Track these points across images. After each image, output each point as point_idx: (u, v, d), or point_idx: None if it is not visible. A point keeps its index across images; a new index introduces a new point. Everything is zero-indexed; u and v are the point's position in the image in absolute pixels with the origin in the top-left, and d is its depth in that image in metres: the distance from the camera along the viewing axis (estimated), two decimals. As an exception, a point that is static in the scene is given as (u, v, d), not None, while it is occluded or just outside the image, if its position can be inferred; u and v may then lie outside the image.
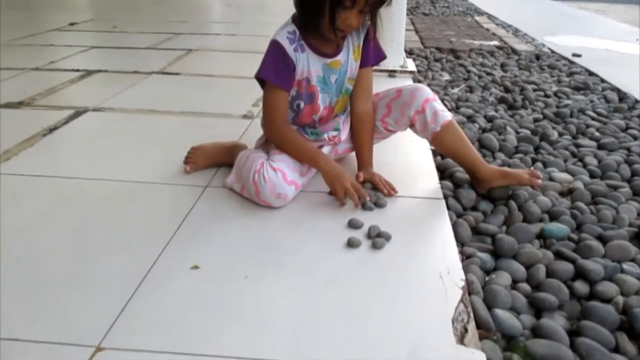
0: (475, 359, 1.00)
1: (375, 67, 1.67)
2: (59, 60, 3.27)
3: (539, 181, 1.62)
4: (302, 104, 1.57)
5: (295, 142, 1.52)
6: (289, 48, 1.47)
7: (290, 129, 1.52)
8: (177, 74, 3.01)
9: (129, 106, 2.41)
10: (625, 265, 1.37)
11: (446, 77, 3.22)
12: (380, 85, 1.75)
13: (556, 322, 1.19)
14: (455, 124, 1.62)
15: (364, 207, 1.47)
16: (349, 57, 1.57)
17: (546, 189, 1.75)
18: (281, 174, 1.48)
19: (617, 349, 1.13)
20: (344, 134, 1.69)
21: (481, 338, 1.09)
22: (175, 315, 1.11)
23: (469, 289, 1.22)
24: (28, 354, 1.00)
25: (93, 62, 3.26)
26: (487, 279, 1.32)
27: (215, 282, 1.21)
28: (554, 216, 1.60)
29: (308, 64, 1.51)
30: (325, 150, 1.66)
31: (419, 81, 3.04)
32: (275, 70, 1.48)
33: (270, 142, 1.64)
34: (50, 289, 1.18)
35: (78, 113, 2.32)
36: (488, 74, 3.27)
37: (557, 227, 1.52)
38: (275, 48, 1.48)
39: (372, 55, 1.61)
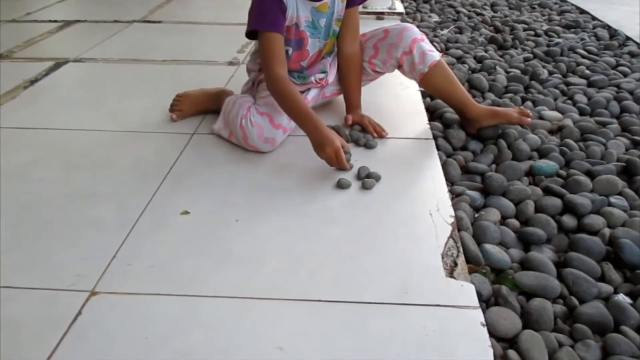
0: (465, 290, 1.02)
1: (362, 10, 1.65)
2: (35, 11, 3.17)
3: (529, 119, 1.62)
4: (290, 50, 1.55)
5: (291, 98, 1.41)
6: None
7: (289, 83, 1.44)
8: (159, 22, 2.94)
9: (110, 56, 2.37)
10: (612, 199, 1.39)
11: (435, 18, 3.17)
12: (367, 28, 1.72)
13: (544, 255, 1.21)
14: (444, 64, 1.60)
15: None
16: None
17: (536, 127, 1.76)
18: (268, 118, 1.47)
19: (602, 278, 1.16)
20: (331, 76, 1.67)
21: (470, 271, 1.11)
22: (168, 258, 1.12)
23: (458, 225, 1.24)
24: (21, 301, 1.01)
25: (71, 12, 3.17)
26: (476, 215, 1.34)
27: (206, 226, 1.22)
28: (543, 153, 1.61)
29: (297, 9, 1.48)
30: (312, 93, 1.64)
31: (407, 22, 2.99)
32: (264, 17, 1.44)
33: (257, 86, 1.63)
34: (41, 238, 1.19)
35: (59, 64, 2.27)
36: (478, 14, 3.22)
37: (546, 164, 1.53)
38: None
39: None
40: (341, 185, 1.35)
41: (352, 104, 1.66)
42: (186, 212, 1.26)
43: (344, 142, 1.37)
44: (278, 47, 1.44)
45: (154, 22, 2.94)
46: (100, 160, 1.50)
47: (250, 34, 1.50)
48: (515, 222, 1.33)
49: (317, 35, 1.55)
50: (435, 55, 1.58)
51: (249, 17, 1.46)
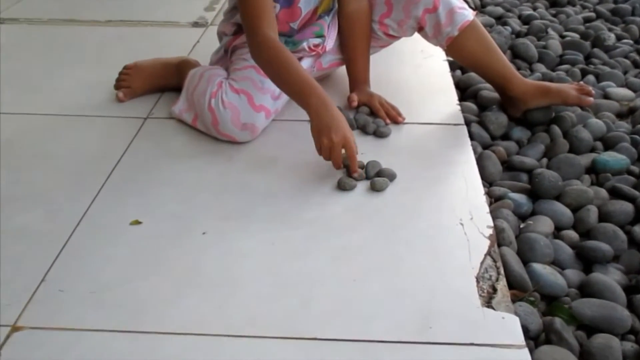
0: (507, 324, 1.03)
1: None
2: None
3: (590, 99, 1.63)
4: (277, 7, 1.55)
5: (288, 66, 1.39)
6: None
7: (283, 48, 1.43)
8: (101, -29, 2.94)
9: (37, 15, 2.37)
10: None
11: (467, -35, 3.18)
12: None
13: (610, 277, 1.21)
14: (478, 25, 1.61)
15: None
16: None
17: (600, 109, 1.77)
18: (246, 97, 1.48)
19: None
20: (330, 41, 1.67)
21: (514, 299, 1.12)
22: (113, 282, 1.12)
23: (498, 239, 1.24)
24: None
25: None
26: (522, 225, 1.35)
27: (164, 240, 1.22)
28: (609, 144, 1.62)
29: None
30: (306, 63, 1.64)
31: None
32: None
33: (232, 55, 1.63)
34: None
35: (-32, 26, 2.28)
36: (523, -41, 3.24)
37: (614, 158, 1.54)
38: None
39: None
40: (344, 186, 1.35)
41: (358, 79, 1.67)
42: (137, 222, 1.27)
43: (348, 139, 1.33)
44: (266, 1, 1.44)
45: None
46: (25, 153, 1.50)
47: None
48: (572, 235, 1.34)
49: None
50: (467, 14, 1.58)
51: None
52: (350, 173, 1.37)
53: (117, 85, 1.74)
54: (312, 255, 1.18)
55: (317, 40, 1.64)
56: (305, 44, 1.62)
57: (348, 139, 1.33)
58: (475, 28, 1.60)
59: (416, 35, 1.68)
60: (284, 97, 1.57)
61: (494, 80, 1.68)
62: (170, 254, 1.19)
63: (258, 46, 1.43)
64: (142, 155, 1.49)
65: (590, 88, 1.66)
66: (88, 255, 1.18)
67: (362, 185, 1.36)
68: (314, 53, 1.65)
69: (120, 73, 1.75)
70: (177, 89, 1.68)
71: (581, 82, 1.83)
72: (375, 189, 1.35)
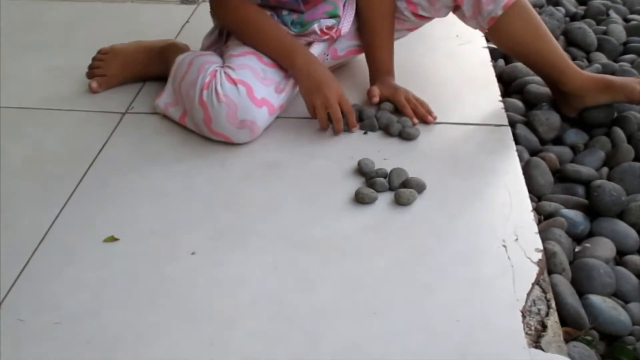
0: (559, 369, 1.03)
1: None
2: None
3: None
4: None
5: (260, 24, 1.52)
6: None
7: (251, 6, 1.54)
8: None
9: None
10: None
11: None
12: None
13: (686, 314, 1.21)
14: (526, 4, 1.61)
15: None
16: None
17: (672, 109, 1.77)
18: (245, 89, 1.48)
19: None
20: (347, 23, 1.68)
21: (567, 339, 1.11)
22: (83, 311, 1.12)
23: (548, 265, 1.25)
24: None
25: None
26: (577, 249, 1.35)
27: (145, 261, 1.23)
28: (683, 151, 1.62)
29: None
30: (317, 49, 1.65)
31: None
32: None
33: (227, 38, 1.64)
34: None
35: None
36: None
37: (689, 168, 1.54)
38: None
39: None
40: (362, 199, 1.35)
41: (380, 69, 1.67)
42: (113, 239, 1.28)
43: (343, 97, 1.51)
44: None
45: None
46: (-23, 153, 1.52)
47: None
48: (638, 260, 1.34)
49: None
50: None
51: None
52: (349, 128, 1.54)
53: (91, 74, 1.75)
54: (323, 283, 1.18)
55: (331, 22, 1.64)
56: (316, 26, 1.62)
57: (342, 94, 1.51)
58: (523, 8, 1.60)
59: (451, 16, 1.68)
60: (290, 90, 1.58)
61: (545, 72, 1.69)
62: (150, 278, 1.19)
63: (225, 6, 1.51)
64: (119, 158, 1.49)
65: (660, 83, 1.66)
66: (52, 279, 1.19)
67: (384, 198, 1.37)
68: (326, 37, 1.65)
69: (94, 59, 1.76)
70: (161, 79, 1.69)
71: (650, 76, 1.83)
72: (400, 202, 1.35)
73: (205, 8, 2.03)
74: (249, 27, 1.53)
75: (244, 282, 1.18)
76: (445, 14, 1.68)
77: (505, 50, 1.84)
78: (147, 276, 1.19)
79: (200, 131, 1.53)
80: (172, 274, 1.20)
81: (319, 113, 1.51)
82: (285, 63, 1.52)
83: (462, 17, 1.65)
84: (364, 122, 1.57)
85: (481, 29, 1.66)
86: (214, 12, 1.58)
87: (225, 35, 1.66)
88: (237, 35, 1.55)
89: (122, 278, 1.19)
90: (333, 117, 1.50)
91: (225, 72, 1.50)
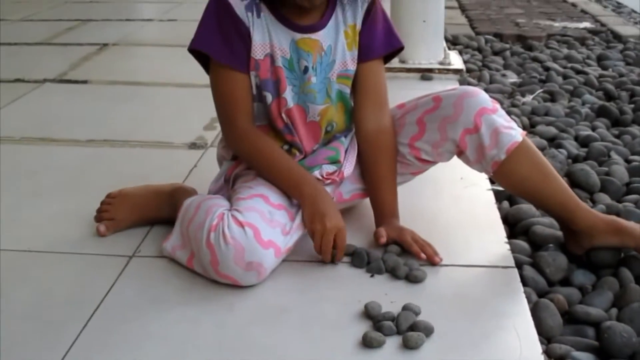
0: None
1: (400, 65, 1.73)
2: None
3: None
4: (269, 97, 1.64)
5: (270, 154, 1.60)
6: (239, 5, 1.55)
7: (261, 136, 1.62)
8: (84, 81, 3.06)
9: (8, 133, 2.45)
10: None
11: (512, 78, 3.29)
12: (409, 92, 1.79)
13: None
14: (530, 146, 1.65)
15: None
16: (338, 41, 1.63)
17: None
18: (252, 231, 1.49)
19: None
20: (349, 165, 1.72)
21: None
22: None
23: None
24: None
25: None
26: None
27: None
28: (693, 292, 1.61)
29: (270, 34, 1.59)
30: (323, 192, 1.68)
31: (469, 85, 3.09)
32: (221, 39, 1.56)
33: (234, 184, 1.68)
34: None
35: None
36: (578, 72, 3.33)
37: (700, 310, 1.53)
38: (216, 5, 1.56)
39: (379, 41, 1.67)
40: (370, 343, 1.34)
41: (385, 212, 1.69)
42: None
43: (340, 228, 1.55)
44: (241, 90, 1.61)
45: (76, 82, 3.06)
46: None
47: (200, 56, 1.62)
48: None
49: (293, 81, 1.64)
50: (515, 133, 1.62)
51: (198, 27, 1.60)
52: (334, 260, 1.59)
53: (99, 217, 1.77)
54: None
55: (332, 168, 1.69)
56: (317, 172, 1.66)
57: (341, 228, 1.55)
58: (527, 150, 1.63)
59: (455, 158, 1.71)
60: (296, 233, 1.59)
61: (555, 212, 1.71)
62: None
63: (238, 138, 1.60)
64: (126, 302, 1.49)
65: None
66: None
67: (392, 342, 1.35)
68: (329, 181, 1.68)
69: (103, 202, 1.78)
70: (169, 222, 1.70)
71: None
72: (408, 346, 1.33)
73: (212, 153, 2.09)
74: (261, 156, 1.60)
75: None
76: (449, 159, 1.71)
77: (512, 192, 1.86)
78: None
79: (208, 274, 1.53)
80: None
81: (315, 240, 1.55)
82: (293, 192, 1.59)
83: (467, 161, 1.69)
84: (370, 265, 1.58)
85: (486, 173, 1.69)
86: (227, 140, 1.66)
87: (232, 181, 1.69)
88: (248, 163, 1.64)
89: None
90: (323, 247, 1.55)
91: (232, 215, 1.51)
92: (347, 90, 1.69)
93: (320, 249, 1.56)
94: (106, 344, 1.37)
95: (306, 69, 1.63)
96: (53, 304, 1.49)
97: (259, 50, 1.58)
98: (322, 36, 1.61)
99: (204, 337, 1.38)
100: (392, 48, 1.70)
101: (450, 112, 1.63)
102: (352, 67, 1.66)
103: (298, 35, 1.59)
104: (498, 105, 1.66)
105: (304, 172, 1.61)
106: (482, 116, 1.61)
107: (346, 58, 1.65)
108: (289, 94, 1.63)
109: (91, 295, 1.51)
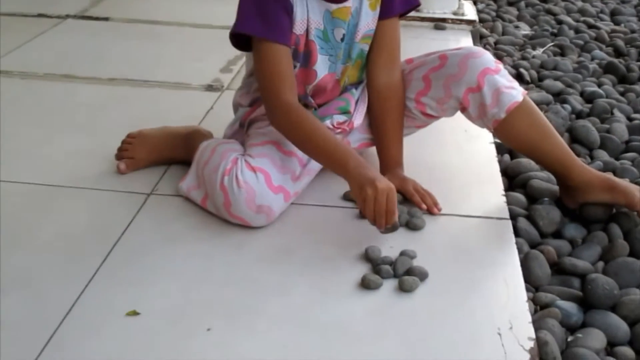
0: None
1: (415, 14, 1.76)
2: None
3: None
4: (297, 66, 1.67)
5: (314, 130, 1.56)
6: None
7: (305, 112, 1.60)
8: (105, 18, 3.10)
9: (31, 69, 2.50)
10: None
11: (525, 30, 3.31)
12: (421, 42, 1.79)
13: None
14: (530, 105, 1.71)
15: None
16: (362, 4, 1.66)
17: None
18: (263, 177, 1.57)
19: None
20: (359, 117, 1.78)
21: None
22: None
23: (540, 354, 1.30)
24: None
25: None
26: (570, 339, 1.41)
27: (163, 335, 1.30)
28: (678, 249, 1.68)
29: (307, 10, 1.61)
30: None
31: (481, 36, 3.13)
32: (262, 17, 1.57)
33: (248, 128, 1.75)
34: None
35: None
36: (590, 26, 3.35)
37: (682, 265, 1.59)
38: None
39: (397, 0, 1.71)
40: (368, 284, 1.42)
41: (390, 162, 1.76)
42: (135, 313, 1.34)
43: (394, 190, 1.48)
44: (286, 64, 1.59)
45: (97, 18, 3.10)
46: (7, 228, 1.59)
47: (239, 41, 1.63)
48: (628, 352, 1.39)
49: (329, 51, 1.68)
50: (515, 93, 1.67)
51: (237, 13, 1.59)
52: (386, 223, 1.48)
53: (119, 155, 1.83)
54: None
55: (343, 118, 1.75)
56: (328, 121, 1.72)
57: (392, 188, 1.47)
58: (527, 109, 1.69)
59: (458, 114, 1.77)
60: (305, 179, 1.67)
61: (551, 168, 1.77)
62: (167, 352, 1.25)
63: (280, 112, 1.57)
64: (143, 237, 1.57)
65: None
66: (77, 350, 1.25)
67: (388, 284, 1.43)
68: (339, 130, 1.74)
69: (123, 142, 1.84)
70: (185, 163, 1.77)
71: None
72: (403, 289, 1.41)
73: (228, 95, 2.17)
74: (305, 131, 1.56)
75: (255, 357, 1.25)
76: (452, 114, 1.78)
77: (512, 147, 1.94)
78: (163, 350, 1.26)
79: (220, 214, 1.60)
80: (186, 349, 1.26)
81: (368, 206, 1.47)
82: (336, 168, 1.54)
83: (469, 118, 1.75)
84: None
85: (487, 129, 1.75)
86: (269, 115, 1.63)
87: (247, 127, 1.75)
88: (291, 138, 1.59)
89: (140, 350, 1.26)
90: (377, 210, 1.46)
91: (245, 160, 1.58)
92: (367, 48, 1.73)
93: (374, 215, 1.47)
94: (125, 277, 1.45)
95: (344, 37, 1.67)
96: (75, 237, 1.57)
97: (299, 25, 1.61)
98: (351, 2, 1.65)
99: (215, 272, 1.47)
100: (409, 6, 1.74)
101: (455, 70, 1.68)
102: (373, 26, 1.70)
103: (334, 6, 1.62)
104: (501, 66, 1.71)
105: (348, 147, 1.62)
106: (485, 76, 1.66)
107: (369, 19, 1.68)
108: (320, 65, 1.68)
109: (111, 230, 1.58)
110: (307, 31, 1.63)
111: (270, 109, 1.61)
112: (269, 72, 1.59)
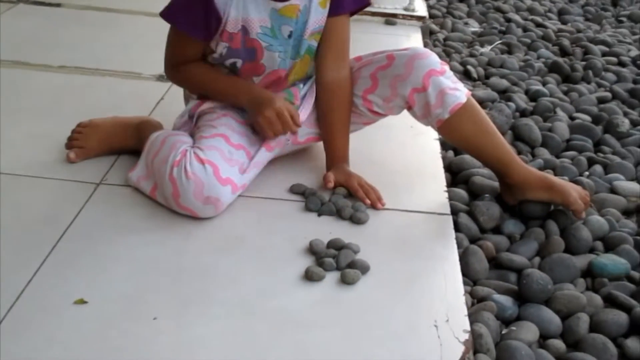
0: None
1: (368, 10, 1.78)
2: None
3: (584, 214, 1.77)
4: (239, 62, 1.73)
5: (205, 74, 1.76)
6: None
7: (195, 63, 1.76)
8: (57, 5, 3.08)
9: (-18, 54, 2.49)
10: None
11: (474, 27, 3.38)
12: (372, 37, 1.81)
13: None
14: (473, 106, 1.76)
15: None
16: (311, 2, 1.69)
17: (604, 205, 1.91)
18: (212, 168, 1.60)
19: None
20: (305, 111, 1.81)
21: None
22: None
23: (475, 345, 1.35)
24: None
25: None
26: (504, 331, 1.46)
27: (110, 323, 1.32)
28: (610, 245, 1.75)
29: (246, 10, 1.65)
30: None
31: (431, 32, 3.19)
32: (186, 14, 1.66)
33: (197, 121, 1.78)
34: None
35: None
36: (538, 25, 3.43)
37: (613, 261, 1.66)
38: None
39: None
40: (311, 276, 1.47)
41: (335, 156, 1.80)
42: (82, 301, 1.37)
43: (290, 108, 1.68)
44: (190, 51, 1.75)
45: (49, 4, 3.07)
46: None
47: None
48: (559, 345, 1.45)
49: (278, 47, 1.71)
50: (459, 95, 1.72)
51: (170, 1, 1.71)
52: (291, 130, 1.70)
53: (69, 145, 1.85)
54: (274, 350, 1.28)
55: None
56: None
57: (289, 105, 1.70)
58: (470, 110, 1.74)
59: (405, 112, 1.81)
60: (252, 172, 1.71)
61: (492, 166, 1.82)
62: (115, 340, 1.28)
63: (174, 70, 1.79)
64: (91, 226, 1.59)
65: (587, 196, 1.79)
66: (25, 337, 1.27)
67: (331, 277, 1.48)
68: (286, 125, 1.78)
69: (73, 131, 1.86)
70: (135, 153, 1.79)
71: (587, 173, 1.99)
72: (345, 281, 1.46)
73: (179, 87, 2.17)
74: (197, 78, 1.78)
75: (203, 345, 1.28)
76: (399, 112, 1.82)
77: (455, 145, 2.00)
78: (111, 337, 1.28)
79: (169, 205, 1.63)
80: (135, 337, 1.29)
81: (267, 125, 1.67)
82: (235, 101, 1.75)
83: (415, 116, 1.79)
84: (322, 208, 1.68)
85: (432, 127, 1.79)
86: (166, 73, 1.82)
87: (196, 119, 1.78)
88: (187, 87, 1.84)
89: (87, 338, 1.28)
90: (285, 122, 1.66)
91: (194, 152, 1.61)
92: (316, 44, 1.77)
93: (274, 129, 1.67)
94: (74, 264, 1.47)
95: (291, 34, 1.70)
96: (23, 226, 1.58)
97: (232, 24, 1.65)
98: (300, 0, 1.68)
99: (164, 261, 1.50)
100: (360, 4, 1.79)
101: (402, 71, 1.73)
102: (323, 23, 1.74)
103: (280, 5, 1.66)
104: (446, 67, 1.76)
105: (242, 83, 1.76)
106: (430, 77, 1.70)
107: (319, 16, 1.72)
108: (269, 60, 1.73)
109: (59, 219, 1.60)
110: (246, 30, 1.67)
111: (166, 69, 1.81)
112: (174, 52, 1.76)
